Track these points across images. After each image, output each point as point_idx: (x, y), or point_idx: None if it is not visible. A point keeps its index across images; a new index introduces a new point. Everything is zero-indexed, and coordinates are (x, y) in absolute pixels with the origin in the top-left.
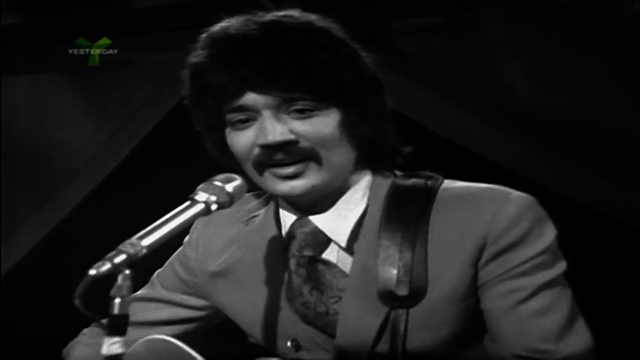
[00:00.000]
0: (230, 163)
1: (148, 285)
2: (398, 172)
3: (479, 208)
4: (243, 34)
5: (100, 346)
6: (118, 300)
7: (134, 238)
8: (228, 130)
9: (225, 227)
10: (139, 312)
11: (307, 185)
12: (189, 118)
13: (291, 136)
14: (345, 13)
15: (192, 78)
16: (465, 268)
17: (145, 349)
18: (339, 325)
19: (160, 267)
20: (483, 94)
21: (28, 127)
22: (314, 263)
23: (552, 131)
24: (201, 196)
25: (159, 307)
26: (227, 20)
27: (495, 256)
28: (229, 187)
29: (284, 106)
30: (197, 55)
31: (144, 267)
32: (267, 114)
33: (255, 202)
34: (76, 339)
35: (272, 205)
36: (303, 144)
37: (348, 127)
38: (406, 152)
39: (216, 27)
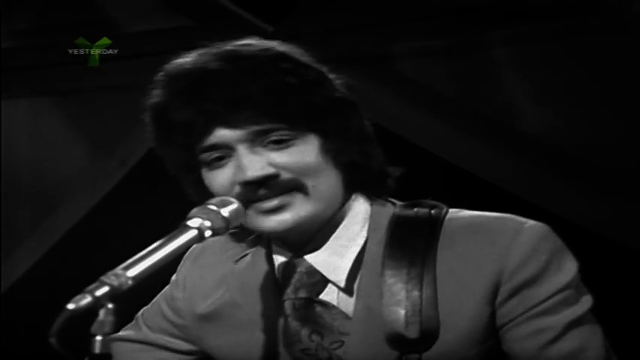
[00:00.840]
0: None
1: (131, 324)
2: (398, 202)
3: (490, 240)
4: (200, 67)
5: None
6: (99, 338)
7: (119, 269)
8: (204, 171)
9: (214, 266)
10: (121, 354)
11: (295, 218)
12: None
13: (272, 170)
14: (346, 37)
15: (155, 119)
16: (481, 306)
17: None
18: None
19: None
20: (486, 116)
21: (25, 150)
22: (311, 305)
23: (560, 154)
24: (194, 221)
25: (143, 350)
26: (182, 56)
27: (513, 293)
28: (225, 212)
29: (259, 139)
30: (156, 96)
31: (129, 300)
32: (242, 149)
33: (246, 240)
34: None
35: (264, 242)
36: (285, 176)
37: (329, 152)
38: (398, 175)
39: (171, 64)
